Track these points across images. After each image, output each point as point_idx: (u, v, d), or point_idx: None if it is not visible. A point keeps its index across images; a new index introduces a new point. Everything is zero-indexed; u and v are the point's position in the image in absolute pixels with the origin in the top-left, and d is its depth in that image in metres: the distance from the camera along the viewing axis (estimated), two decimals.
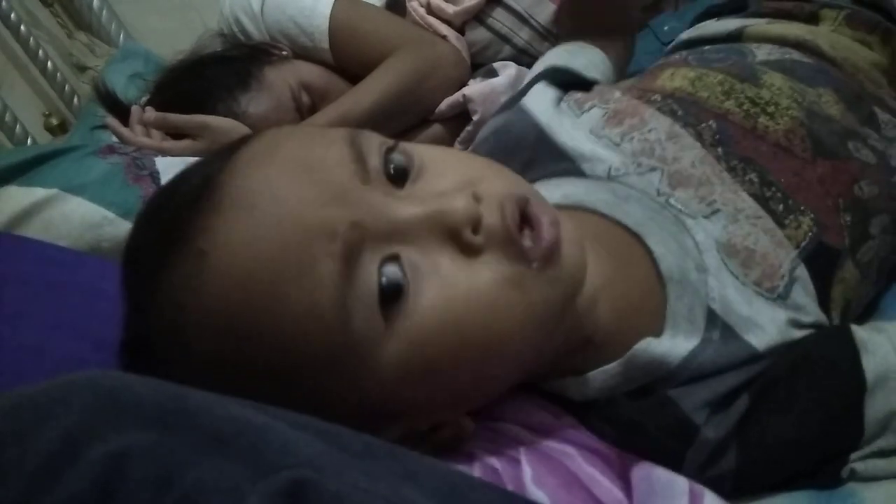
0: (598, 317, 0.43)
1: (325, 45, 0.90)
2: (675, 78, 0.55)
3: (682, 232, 0.46)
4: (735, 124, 0.50)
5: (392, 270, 0.34)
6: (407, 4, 0.94)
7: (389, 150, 0.38)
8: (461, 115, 0.90)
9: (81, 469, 0.24)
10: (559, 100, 0.57)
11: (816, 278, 0.45)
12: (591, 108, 0.54)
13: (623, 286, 0.45)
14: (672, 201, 0.47)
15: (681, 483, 0.39)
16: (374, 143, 0.38)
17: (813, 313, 0.45)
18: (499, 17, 0.92)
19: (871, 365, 0.42)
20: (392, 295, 0.34)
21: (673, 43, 0.73)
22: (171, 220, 0.36)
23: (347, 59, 0.91)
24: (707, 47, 0.62)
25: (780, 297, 0.44)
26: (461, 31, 0.94)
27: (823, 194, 0.48)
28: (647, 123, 0.51)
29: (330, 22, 0.89)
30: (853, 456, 0.41)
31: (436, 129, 0.92)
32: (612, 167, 0.49)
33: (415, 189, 0.37)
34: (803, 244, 0.46)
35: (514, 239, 0.36)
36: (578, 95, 0.57)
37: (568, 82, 0.61)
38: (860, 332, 0.44)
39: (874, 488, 0.40)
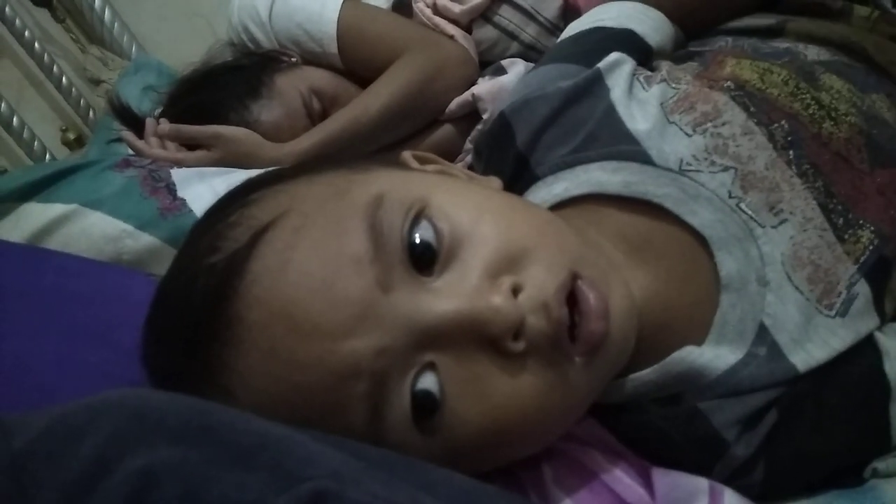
0: (640, 332, 0.41)
1: (334, 49, 0.90)
2: (743, 69, 0.50)
3: (749, 240, 0.43)
4: (805, 127, 0.46)
5: (427, 381, 0.34)
6: (413, 5, 0.94)
7: (416, 219, 0.36)
8: (471, 115, 0.90)
9: (113, 485, 0.25)
10: (632, 74, 0.52)
11: (876, 292, 0.44)
12: (660, 82, 0.50)
13: (675, 300, 0.43)
14: (743, 206, 0.44)
15: (701, 481, 0.40)
16: (397, 214, 0.35)
17: (871, 327, 0.43)
18: (505, 15, 0.92)
19: (894, 369, 0.42)
20: (427, 408, 0.34)
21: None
22: (191, 348, 0.35)
23: (356, 63, 0.91)
24: (752, 39, 0.57)
25: (839, 315, 0.42)
26: (468, 29, 0.94)
27: (885, 204, 0.45)
28: (721, 114, 0.46)
29: (338, 27, 0.89)
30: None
31: (446, 129, 0.92)
32: (684, 160, 0.45)
33: (446, 277, 0.35)
34: (863, 259, 0.43)
35: (561, 345, 0.35)
36: (648, 73, 0.53)
37: (636, 49, 0.55)
38: (883, 339, 0.43)
39: (895, 483, 0.41)
